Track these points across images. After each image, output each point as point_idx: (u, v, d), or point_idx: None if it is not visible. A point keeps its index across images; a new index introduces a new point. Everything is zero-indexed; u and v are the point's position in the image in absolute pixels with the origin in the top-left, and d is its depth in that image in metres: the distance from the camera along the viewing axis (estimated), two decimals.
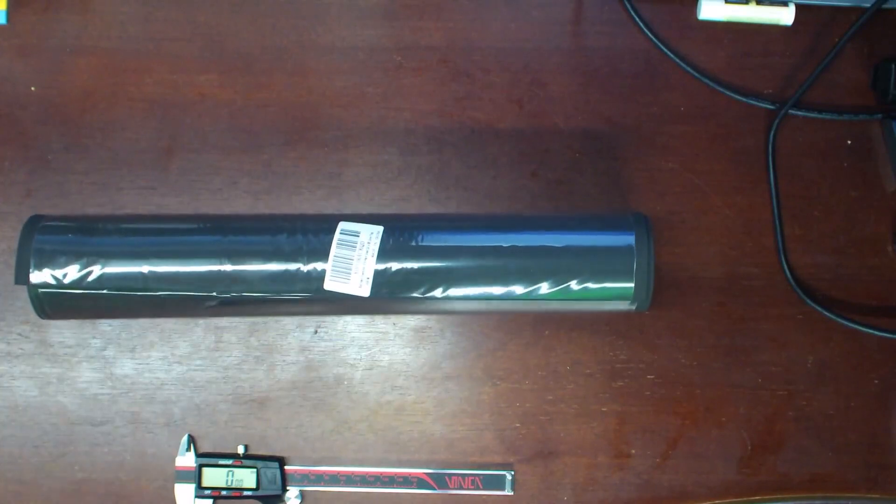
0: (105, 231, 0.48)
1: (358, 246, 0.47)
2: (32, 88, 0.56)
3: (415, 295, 0.47)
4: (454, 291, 0.47)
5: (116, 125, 0.55)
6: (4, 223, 0.54)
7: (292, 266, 0.47)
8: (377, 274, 0.46)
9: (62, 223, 0.48)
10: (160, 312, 0.50)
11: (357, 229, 0.47)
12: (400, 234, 0.47)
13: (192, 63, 0.56)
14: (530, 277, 0.47)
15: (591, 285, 0.47)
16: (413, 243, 0.47)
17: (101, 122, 0.55)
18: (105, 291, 0.47)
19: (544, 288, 0.47)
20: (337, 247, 0.47)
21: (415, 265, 0.47)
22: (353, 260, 0.46)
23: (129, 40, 0.56)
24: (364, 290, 0.46)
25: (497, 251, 0.47)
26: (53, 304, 0.47)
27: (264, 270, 0.47)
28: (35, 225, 0.47)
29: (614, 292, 0.47)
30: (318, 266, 0.47)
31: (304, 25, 0.57)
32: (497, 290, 0.47)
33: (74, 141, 0.55)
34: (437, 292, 0.47)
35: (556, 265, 0.47)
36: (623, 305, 0.48)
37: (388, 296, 0.47)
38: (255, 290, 0.47)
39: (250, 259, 0.47)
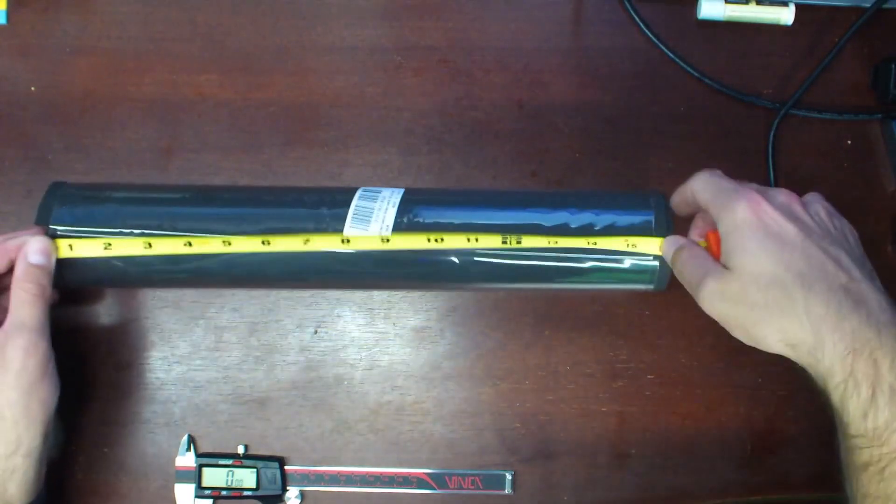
0: (125, 200, 0.47)
1: (379, 199, 0.46)
2: (32, 88, 0.56)
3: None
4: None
5: (116, 125, 0.55)
6: (4, 223, 0.54)
7: (312, 224, 0.46)
8: (397, 224, 0.46)
9: (83, 191, 0.47)
10: (176, 283, 0.50)
11: (379, 188, 0.47)
12: (418, 209, 0.47)
13: (192, 63, 0.56)
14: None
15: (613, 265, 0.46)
16: (430, 220, 0.46)
17: (101, 122, 0.55)
18: (131, 231, 0.46)
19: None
20: (358, 200, 0.46)
21: (434, 220, 0.46)
22: (374, 210, 0.46)
23: (129, 40, 0.56)
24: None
25: (517, 228, 0.46)
26: (67, 270, 0.46)
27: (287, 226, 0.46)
28: (56, 193, 0.47)
29: (636, 274, 0.47)
30: (338, 222, 0.46)
31: (304, 25, 0.57)
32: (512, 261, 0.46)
33: (74, 141, 0.55)
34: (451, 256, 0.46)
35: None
36: (642, 285, 0.47)
37: (409, 256, 0.46)
38: (275, 251, 0.46)
39: (273, 221, 0.46)
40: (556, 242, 0.46)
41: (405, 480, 0.53)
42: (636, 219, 0.47)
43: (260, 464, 0.52)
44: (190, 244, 0.46)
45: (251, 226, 0.46)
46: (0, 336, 0.43)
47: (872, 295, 0.40)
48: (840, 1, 0.57)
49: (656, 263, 0.47)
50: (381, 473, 0.53)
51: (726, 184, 0.44)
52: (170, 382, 0.53)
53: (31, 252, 0.45)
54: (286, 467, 0.52)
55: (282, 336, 0.54)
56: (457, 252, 0.47)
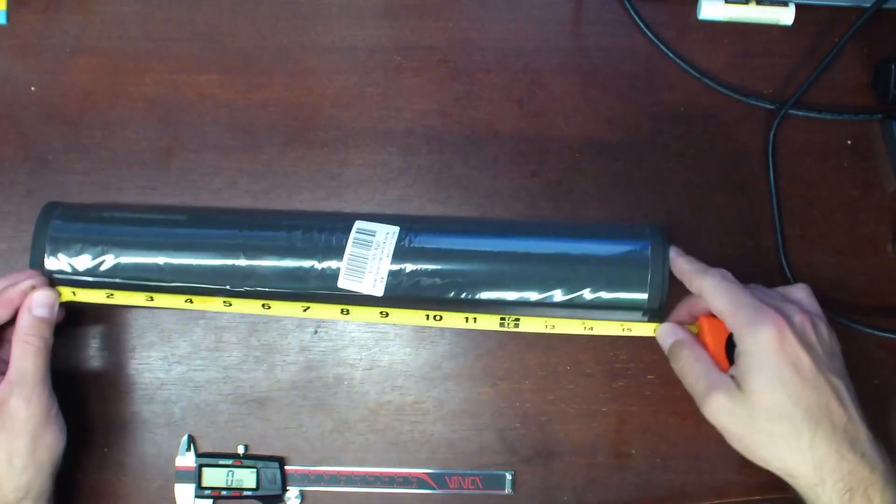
0: (121, 220, 0.49)
1: (373, 245, 0.47)
2: (32, 88, 0.56)
3: (427, 297, 0.47)
4: (467, 295, 0.48)
5: (116, 125, 0.55)
6: (4, 223, 0.54)
7: (307, 263, 0.47)
8: (391, 274, 0.47)
9: (79, 211, 0.49)
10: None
11: (373, 229, 0.48)
12: (416, 236, 0.48)
13: (192, 63, 0.56)
14: (544, 284, 0.47)
15: (604, 294, 0.47)
16: (428, 245, 0.48)
17: (101, 122, 0.55)
18: (119, 280, 0.47)
19: (558, 295, 0.48)
20: (352, 245, 0.47)
21: (429, 266, 0.47)
22: (369, 259, 0.47)
23: (129, 40, 0.56)
24: (378, 290, 0.47)
25: (512, 257, 0.48)
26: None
27: (279, 266, 0.47)
28: (51, 212, 0.48)
29: (627, 302, 0.48)
30: (333, 264, 0.47)
31: (304, 25, 0.57)
32: (510, 295, 0.48)
33: (74, 141, 0.55)
34: (450, 295, 0.47)
35: (570, 273, 0.47)
36: (636, 316, 0.48)
37: (401, 296, 0.47)
38: (268, 286, 0.47)
39: (265, 255, 0.47)
40: (553, 328, 0.49)
41: (405, 480, 0.53)
42: (632, 259, 0.48)
43: (260, 464, 0.52)
44: (191, 301, 0.48)
45: (243, 279, 0.47)
46: (4, 388, 0.45)
47: (864, 433, 0.43)
48: (840, 1, 0.57)
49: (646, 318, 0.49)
50: (381, 473, 0.53)
51: (744, 297, 0.45)
52: (170, 382, 0.53)
53: (36, 305, 0.46)
54: (286, 467, 0.52)
55: (282, 336, 0.54)
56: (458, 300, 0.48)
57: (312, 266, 0.47)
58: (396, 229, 0.48)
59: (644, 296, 0.47)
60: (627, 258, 0.48)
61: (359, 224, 0.48)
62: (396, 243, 0.47)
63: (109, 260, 0.47)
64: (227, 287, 0.48)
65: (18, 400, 0.45)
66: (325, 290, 0.47)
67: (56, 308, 0.47)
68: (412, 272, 0.47)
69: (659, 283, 0.47)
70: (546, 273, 0.47)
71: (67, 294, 0.48)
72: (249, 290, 0.48)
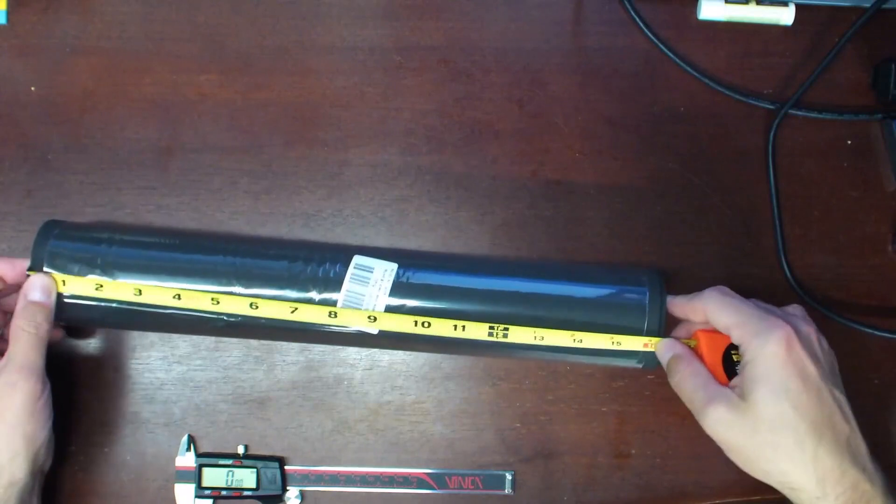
0: (119, 242, 0.48)
1: (371, 283, 0.47)
2: (32, 88, 0.56)
3: (423, 335, 0.47)
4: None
5: (116, 125, 0.55)
6: (4, 223, 0.54)
7: (304, 295, 0.47)
8: (388, 310, 0.47)
9: (77, 231, 0.48)
10: (166, 328, 0.51)
11: (371, 265, 0.48)
12: (414, 273, 0.48)
13: (192, 63, 0.56)
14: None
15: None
16: (426, 282, 0.48)
17: (101, 122, 0.55)
18: (115, 305, 0.47)
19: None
20: (350, 281, 0.47)
21: (425, 304, 0.47)
22: (366, 296, 0.47)
23: (129, 40, 0.56)
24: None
25: (509, 297, 0.48)
26: (59, 310, 0.47)
27: (275, 296, 0.47)
28: (50, 231, 0.48)
29: (622, 351, 0.48)
30: (330, 297, 0.47)
31: (304, 25, 0.57)
32: None
33: (74, 141, 0.55)
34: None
35: (567, 317, 0.47)
36: (632, 362, 0.48)
37: (395, 332, 0.47)
38: (262, 316, 0.47)
39: (262, 284, 0.47)
40: (542, 339, 0.47)
41: (405, 480, 0.53)
42: (629, 305, 0.48)
43: (260, 464, 0.52)
44: (179, 297, 0.47)
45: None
46: None
47: (864, 447, 0.43)
48: (840, 1, 0.57)
49: (651, 351, 0.48)
50: (381, 473, 0.53)
51: (749, 308, 0.45)
52: (170, 382, 0.53)
53: (31, 289, 0.46)
54: (286, 467, 0.52)
55: None
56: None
57: (310, 299, 0.47)
58: (395, 266, 0.48)
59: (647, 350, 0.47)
60: (624, 304, 0.48)
61: (357, 259, 0.48)
62: (394, 280, 0.47)
63: (106, 282, 0.47)
64: (224, 316, 0.47)
65: (2, 385, 0.44)
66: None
67: (53, 294, 0.46)
68: (409, 310, 0.47)
69: (655, 331, 0.47)
70: (542, 316, 0.47)
71: (58, 283, 0.47)
72: (243, 318, 0.47)
